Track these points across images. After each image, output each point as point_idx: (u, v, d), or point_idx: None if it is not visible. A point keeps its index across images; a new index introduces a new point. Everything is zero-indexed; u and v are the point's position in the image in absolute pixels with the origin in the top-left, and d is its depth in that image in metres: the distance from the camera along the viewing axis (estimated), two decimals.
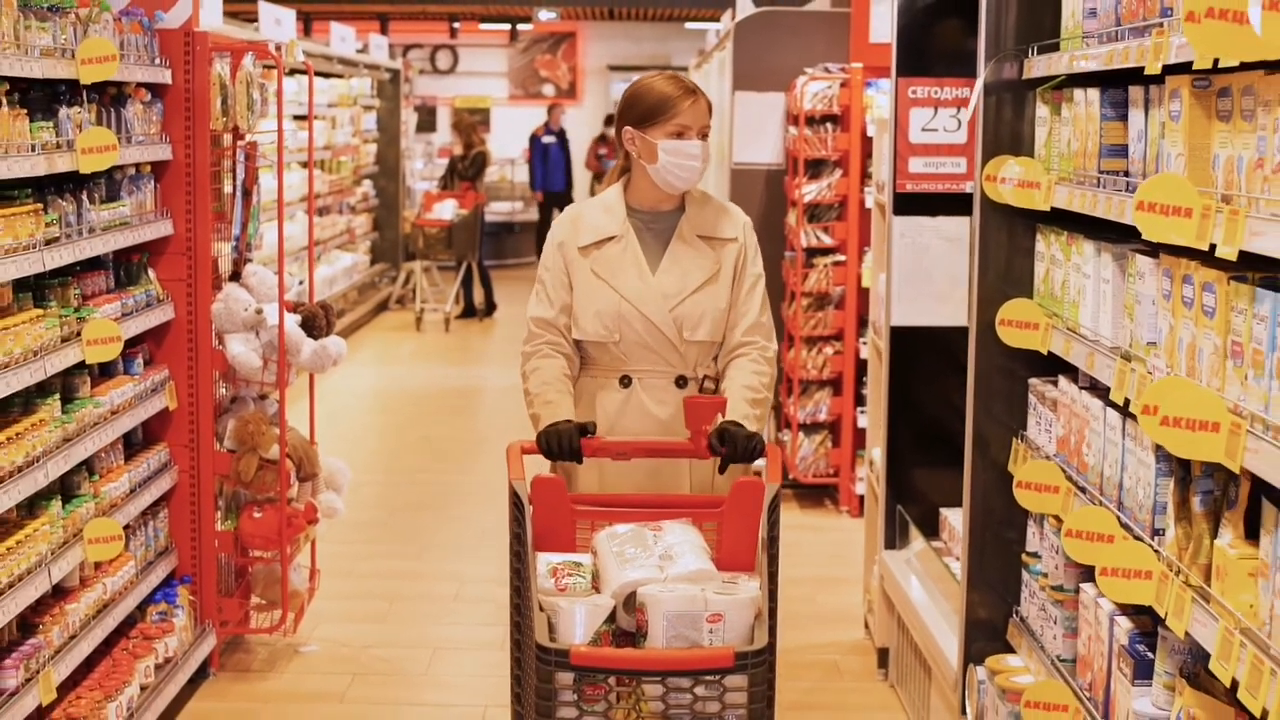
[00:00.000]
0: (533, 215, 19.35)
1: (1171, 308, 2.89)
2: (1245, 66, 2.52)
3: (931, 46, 5.20)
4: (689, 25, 20.90)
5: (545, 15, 21.33)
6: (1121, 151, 3.29)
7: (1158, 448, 2.96)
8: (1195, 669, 2.91)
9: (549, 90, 22.60)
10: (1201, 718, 2.75)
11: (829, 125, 7.62)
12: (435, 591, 6.41)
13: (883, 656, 5.43)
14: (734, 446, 3.57)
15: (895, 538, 5.39)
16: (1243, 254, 2.50)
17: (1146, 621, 3.15)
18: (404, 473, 8.69)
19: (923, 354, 5.28)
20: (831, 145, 7.58)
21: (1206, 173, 2.76)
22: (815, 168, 7.72)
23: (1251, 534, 2.61)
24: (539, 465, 3.71)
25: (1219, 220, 2.56)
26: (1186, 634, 2.76)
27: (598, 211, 3.96)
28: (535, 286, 3.97)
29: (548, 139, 18.47)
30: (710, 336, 3.87)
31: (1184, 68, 2.75)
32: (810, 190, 7.63)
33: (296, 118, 11.56)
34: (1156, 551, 2.93)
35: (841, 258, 7.64)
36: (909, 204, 5.21)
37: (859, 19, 7.59)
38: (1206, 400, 2.56)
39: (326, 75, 13.63)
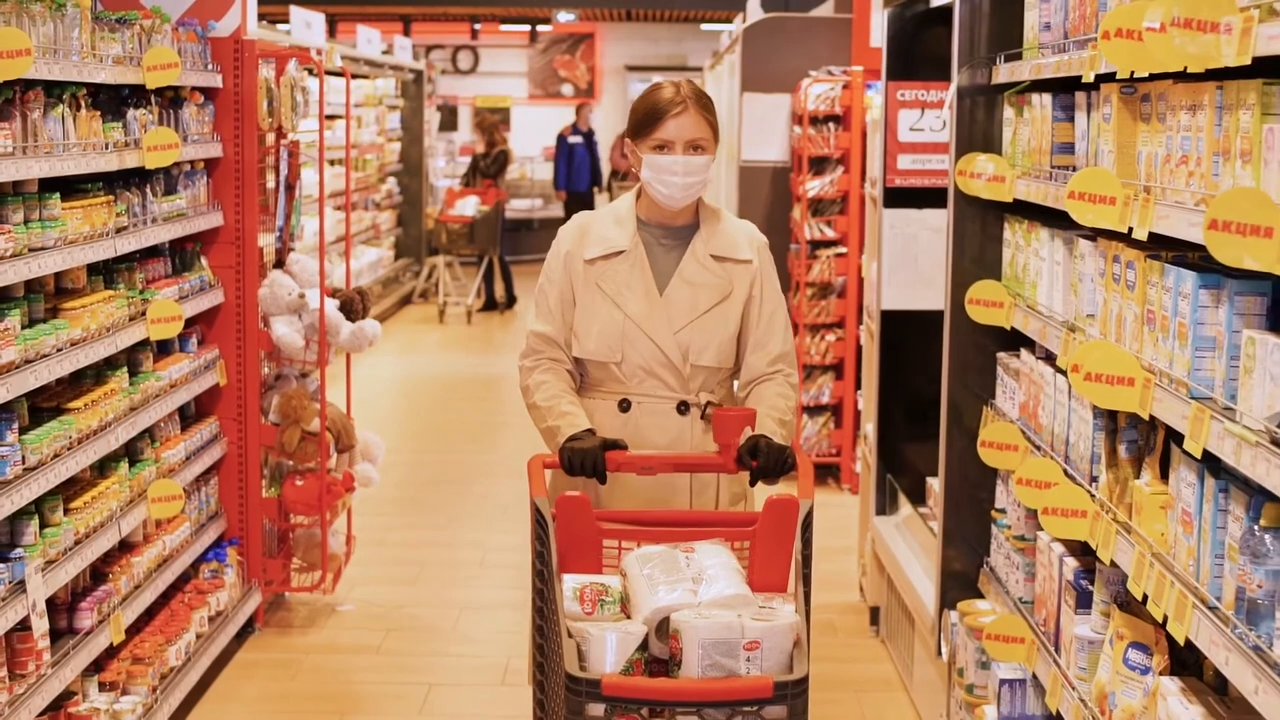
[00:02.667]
0: (552, 212, 19.81)
1: (1105, 283, 3.34)
2: (1157, 76, 2.98)
3: (919, 53, 5.65)
4: (705, 27, 21.35)
5: (564, 16, 21.80)
6: (1070, 149, 3.73)
7: (1095, 406, 3.41)
8: (1125, 597, 3.36)
9: (568, 90, 23.07)
10: (1129, 636, 3.20)
11: (831, 125, 8.08)
12: (461, 558, 6.89)
13: (874, 614, 5.88)
14: (765, 460, 3.45)
15: (885, 505, 5.85)
16: (1164, 237, 2.94)
17: (1090, 561, 3.60)
18: (431, 453, 9.17)
19: (911, 335, 5.73)
20: (834, 144, 8.04)
21: (1132, 167, 3.20)
22: (818, 165, 8.18)
23: (1165, 475, 3.06)
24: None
25: (1135, 207, 3.02)
26: (1113, 563, 3.21)
27: (607, 223, 3.79)
28: (536, 297, 3.83)
29: (574, 139, 18.51)
30: (717, 362, 3.72)
31: (1115, 76, 3.20)
32: (814, 186, 8.09)
33: (329, 117, 12.03)
34: (1091, 494, 3.39)
35: (843, 250, 8.10)
36: (898, 198, 5.68)
37: (860, 24, 8.03)
38: (1123, 359, 3.02)
39: (353, 76, 14.10)
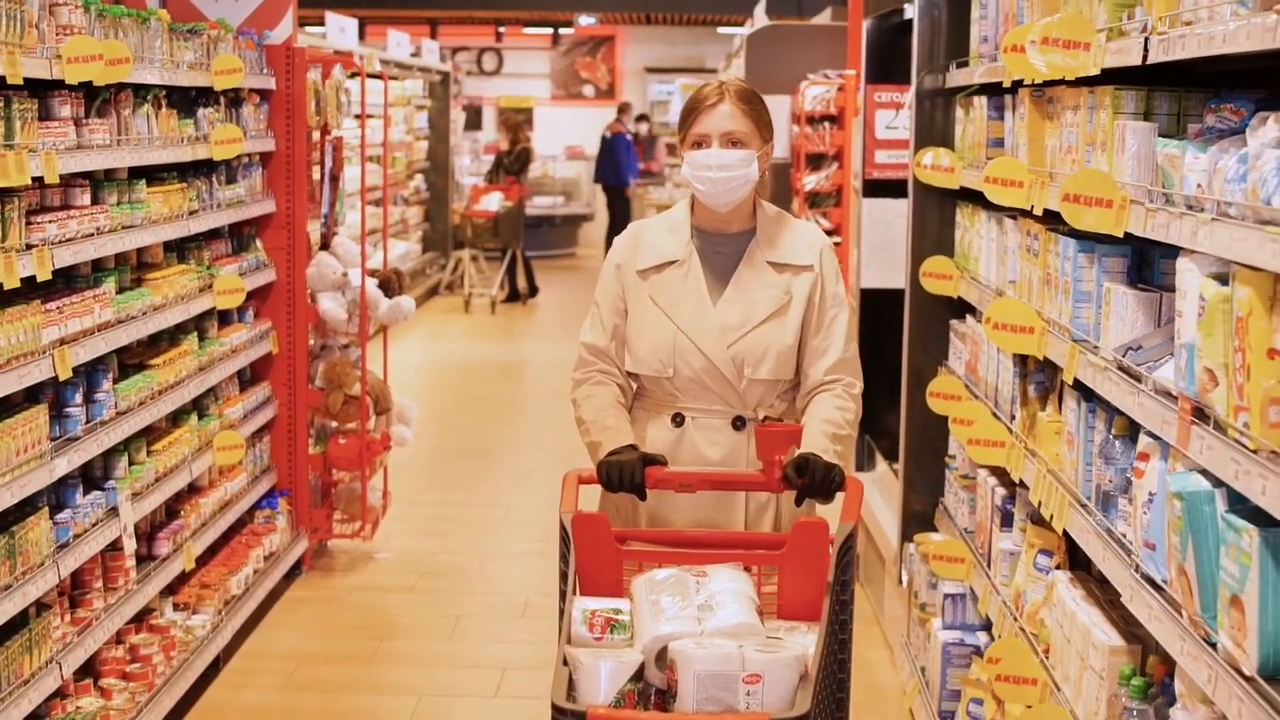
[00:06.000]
0: (573, 209, 20.53)
1: (1022, 254, 4.02)
2: (1055, 82, 3.66)
3: (894, 59, 6.32)
4: (720, 30, 22.04)
5: (585, 20, 22.49)
6: (1001, 143, 4.42)
7: (1014, 355, 4.09)
8: (1038, 515, 4.04)
9: (589, 91, 23.78)
10: (1038, 544, 3.88)
11: (827, 124, 8.77)
12: (486, 515, 7.61)
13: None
14: (812, 478, 3.25)
15: (864, 463, 6.53)
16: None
17: (1015, 490, 4.28)
18: (458, 428, 9.88)
19: (888, 311, 6.39)
20: (829, 141, 8.74)
21: (1042, 157, 3.89)
22: (815, 161, 8.88)
23: (1062, 408, 3.75)
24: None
25: (1037, 189, 3.71)
26: (1021, 482, 3.90)
27: (661, 231, 3.67)
28: (591, 309, 3.70)
29: (630, 134, 19.25)
30: (774, 375, 3.55)
31: (1023, 82, 3.89)
32: (810, 181, 8.79)
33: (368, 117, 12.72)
34: (1009, 428, 4.07)
35: (837, 239, 8.78)
36: (875, 188, 6.37)
37: (854, 31, 8.69)
38: (1025, 312, 3.71)
39: (381, 77, 14.81)
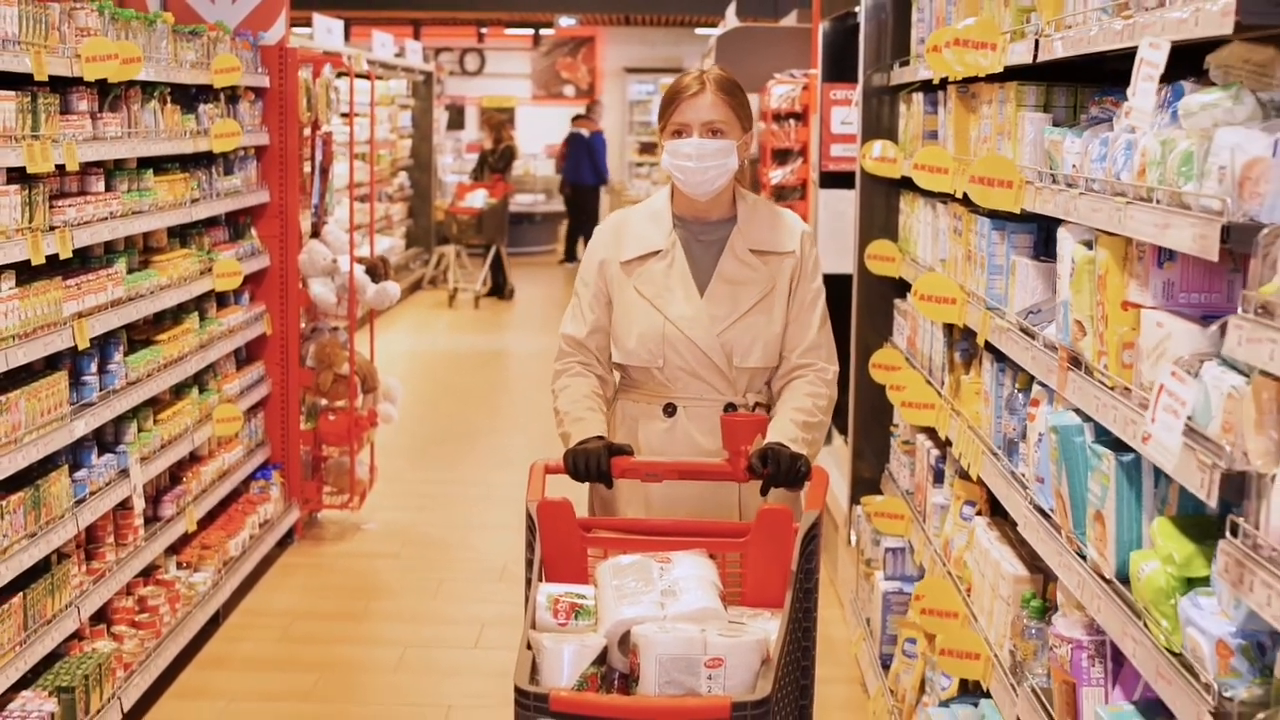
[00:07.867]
0: (554, 207, 20.94)
1: (950, 235, 4.46)
2: (973, 79, 4.09)
3: (849, 59, 6.74)
4: (698, 31, 22.48)
5: (566, 21, 22.90)
6: (935, 135, 4.85)
7: (944, 326, 4.52)
8: (966, 472, 4.47)
9: (570, 91, 24.20)
10: (963, 496, 4.31)
11: (792, 121, 9.20)
12: (468, 493, 8.03)
13: None
14: (776, 468, 3.29)
15: None
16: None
17: (947, 450, 4.71)
18: (441, 414, 10.30)
19: (842, 295, 6.82)
20: (794, 137, 9.16)
21: (967, 147, 4.32)
22: (781, 156, 9.30)
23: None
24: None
25: (959, 175, 4.14)
26: (948, 440, 4.33)
27: (643, 221, 3.70)
28: (571, 300, 3.74)
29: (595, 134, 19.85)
30: (763, 362, 3.62)
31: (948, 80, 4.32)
32: (777, 175, 9.21)
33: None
34: (939, 392, 4.51)
35: None
36: (831, 180, 6.80)
37: (817, 33, 9.12)
38: (947, 284, 4.14)
39: (368, 77, 15.22)
